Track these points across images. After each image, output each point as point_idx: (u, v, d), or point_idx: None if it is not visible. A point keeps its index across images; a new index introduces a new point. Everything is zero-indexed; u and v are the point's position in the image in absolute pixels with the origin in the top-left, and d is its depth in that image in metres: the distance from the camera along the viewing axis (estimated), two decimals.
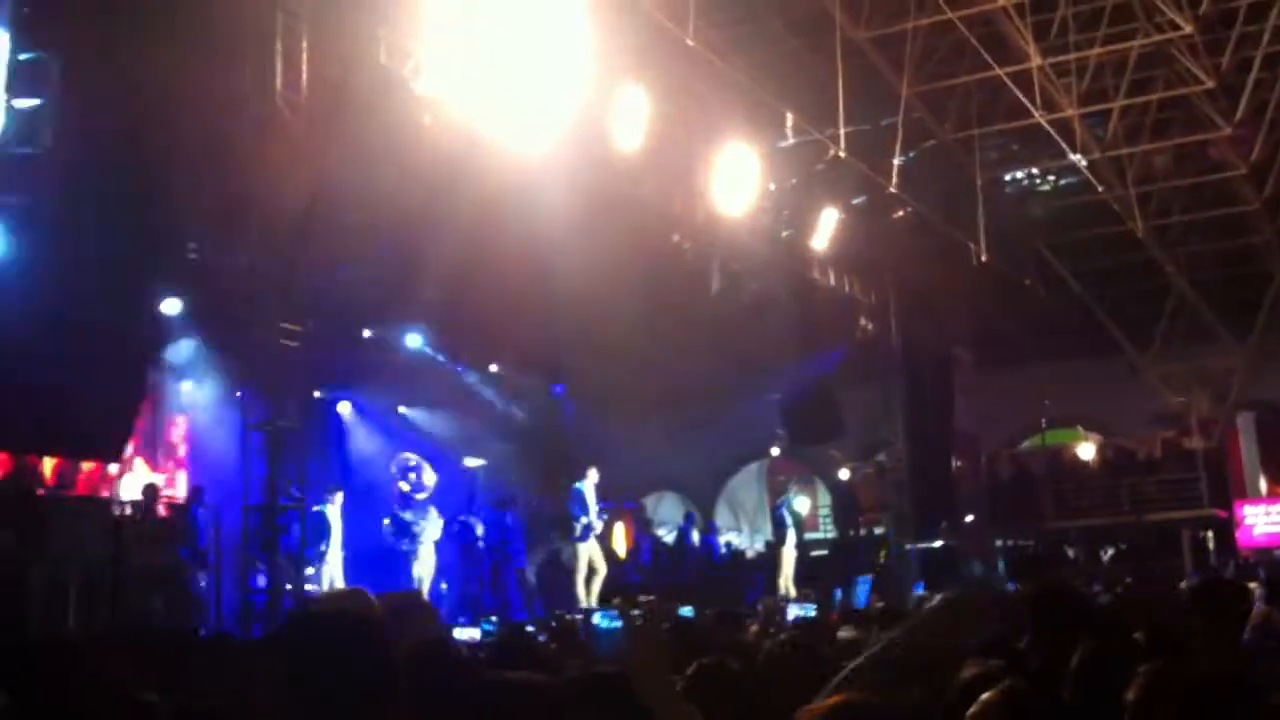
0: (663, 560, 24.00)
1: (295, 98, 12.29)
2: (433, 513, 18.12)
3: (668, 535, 26.35)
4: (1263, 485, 27.68)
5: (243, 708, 3.84)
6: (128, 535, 13.85)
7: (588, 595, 17.43)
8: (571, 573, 18.11)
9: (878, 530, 25.84)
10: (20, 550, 11.93)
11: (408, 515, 17.72)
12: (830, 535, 29.37)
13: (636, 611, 3.65)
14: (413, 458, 18.63)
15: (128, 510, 15.01)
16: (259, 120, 12.20)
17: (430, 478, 18.37)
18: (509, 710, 3.42)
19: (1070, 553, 27.69)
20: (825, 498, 30.65)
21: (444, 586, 19.06)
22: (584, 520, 17.45)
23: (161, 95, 10.71)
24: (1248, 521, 26.39)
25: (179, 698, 4.08)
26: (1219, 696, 3.09)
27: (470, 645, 13.06)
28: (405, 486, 18.02)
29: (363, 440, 21.32)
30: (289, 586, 12.71)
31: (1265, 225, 24.10)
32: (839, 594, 21.13)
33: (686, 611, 15.03)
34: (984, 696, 3.86)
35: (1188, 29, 17.46)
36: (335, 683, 3.37)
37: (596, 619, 14.86)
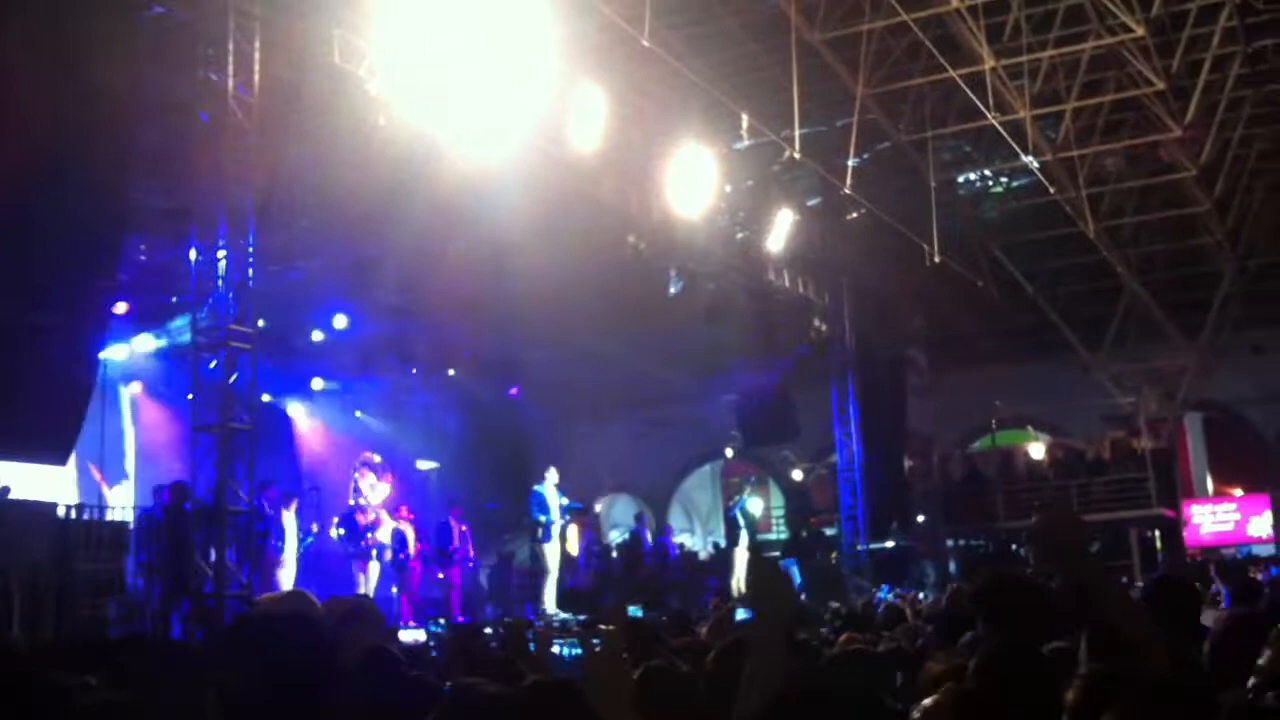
0: (615, 562, 23.93)
1: (247, 98, 12.14)
2: (384, 516, 17.97)
3: (620, 537, 26.29)
4: (1210, 485, 28.01)
5: (192, 710, 3.76)
6: (74, 540, 13.60)
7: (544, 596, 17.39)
8: (527, 574, 18.02)
9: (829, 531, 25.88)
10: None
11: (361, 518, 17.55)
12: (784, 536, 29.43)
13: (596, 640, 3.58)
14: (376, 457, 18.43)
15: (74, 514, 14.73)
16: (211, 120, 12.05)
17: (387, 480, 18.23)
18: (457, 715, 3.35)
19: (1021, 552, 27.85)
20: (779, 499, 30.73)
21: (394, 590, 18.90)
22: (543, 520, 17.38)
23: (112, 94, 10.55)
24: (1195, 521, 26.69)
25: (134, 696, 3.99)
26: (1165, 699, 3.04)
27: (416, 647, 12.95)
28: (366, 486, 17.80)
29: (312, 443, 21.12)
30: (236, 591, 12.52)
31: (1215, 226, 24.36)
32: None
33: (635, 612, 15.00)
34: (927, 701, 3.82)
35: (1139, 31, 17.58)
36: (282, 685, 3.31)
37: (556, 647, 14.71)
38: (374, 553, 17.58)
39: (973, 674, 3.65)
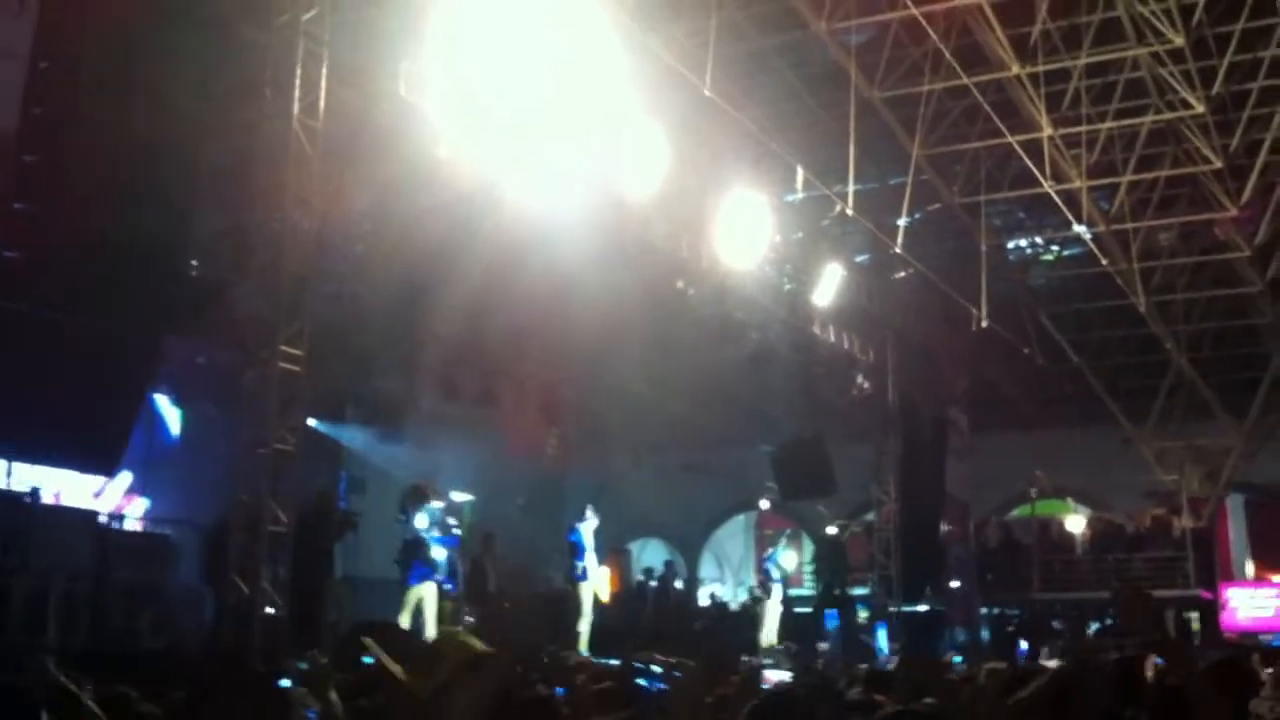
0: (644, 608, 23.87)
1: (312, 124, 12.32)
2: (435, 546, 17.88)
3: (651, 582, 26.22)
4: (1249, 568, 27.64)
5: None
6: (112, 549, 13.70)
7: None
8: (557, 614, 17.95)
9: (859, 590, 25.68)
10: (3, 560, 11.77)
11: (416, 547, 17.36)
12: (813, 592, 29.26)
13: (679, 674, 3.63)
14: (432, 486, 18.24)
15: (112, 524, 14.85)
16: (274, 144, 12.22)
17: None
18: None
19: (1056, 625, 27.55)
20: (809, 553, 30.56)
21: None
22: (580, 564, 17.34)
23: (178, 114, 10.75)
24: (1232, 604, 26.32)
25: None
26: None
27: None
28: (436, 504, 17.52)
29: (356, 469, 21.19)
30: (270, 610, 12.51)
31: (1267, 308, 24.15)
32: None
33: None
34: None
35: (1199, 109, 17.60)
36: None
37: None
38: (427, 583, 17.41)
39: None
